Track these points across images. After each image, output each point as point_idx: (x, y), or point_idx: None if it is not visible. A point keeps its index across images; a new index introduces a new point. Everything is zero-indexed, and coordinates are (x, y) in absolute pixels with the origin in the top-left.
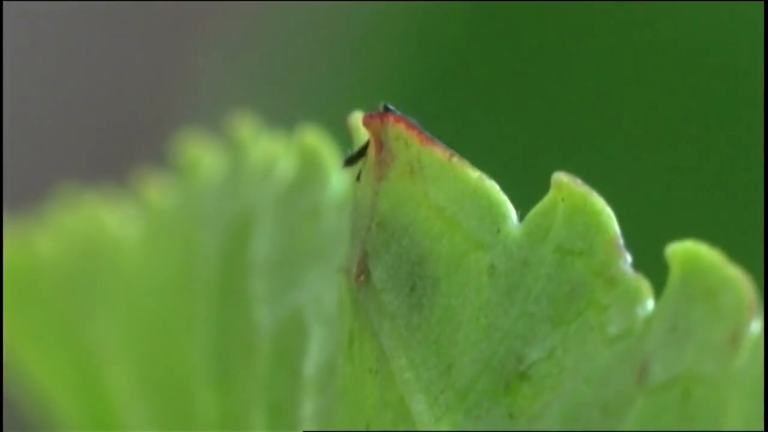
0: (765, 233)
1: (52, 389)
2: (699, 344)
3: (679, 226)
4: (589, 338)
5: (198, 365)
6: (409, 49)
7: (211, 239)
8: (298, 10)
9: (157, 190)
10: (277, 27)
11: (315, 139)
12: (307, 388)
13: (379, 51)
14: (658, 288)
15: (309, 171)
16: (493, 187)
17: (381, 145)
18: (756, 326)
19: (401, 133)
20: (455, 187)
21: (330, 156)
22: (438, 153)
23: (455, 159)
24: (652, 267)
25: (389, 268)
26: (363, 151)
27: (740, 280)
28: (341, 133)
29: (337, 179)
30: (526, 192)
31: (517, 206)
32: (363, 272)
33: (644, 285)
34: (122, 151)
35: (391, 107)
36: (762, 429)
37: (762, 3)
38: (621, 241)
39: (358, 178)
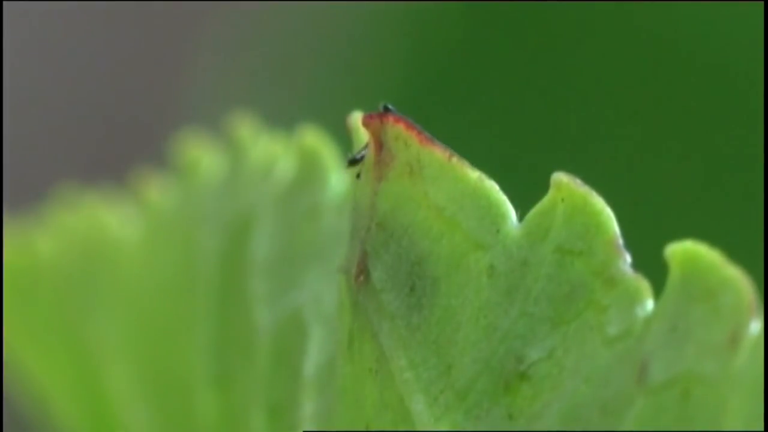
0: (765, 233)
1: (52, 389)
2: (699, 344)
3: (679, 226)
4: (589, 338)
5: (198, 365)
6: (409, 50)
7: (211, 239)
8: (298, 10)
9: (157, 190)
10: (277, 27)
11: (315, 139)
12: (307, 388)
13: (378, 51)
14: (658, 288)
15: (309, 171)
16: (493, 187)
17: (380, 146)
18: (756, 326)
19: (401, 133)
20: (455, 187)
21: (330, 156)
22: (437, 153)
23: (455, 159)
24: (652, 267)
25: (389, 269)
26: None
27: (740, 280)
28: (341, 133)
29: (337, 179)
30: (526, 192)
31: (517, 206)
32: (363, 272)
33: (644, 285)
34: (122, 151)
35: (390, 107)
36: (762, 429)
37: (762, 3)
38: (621, 241)
39: (357, 177)
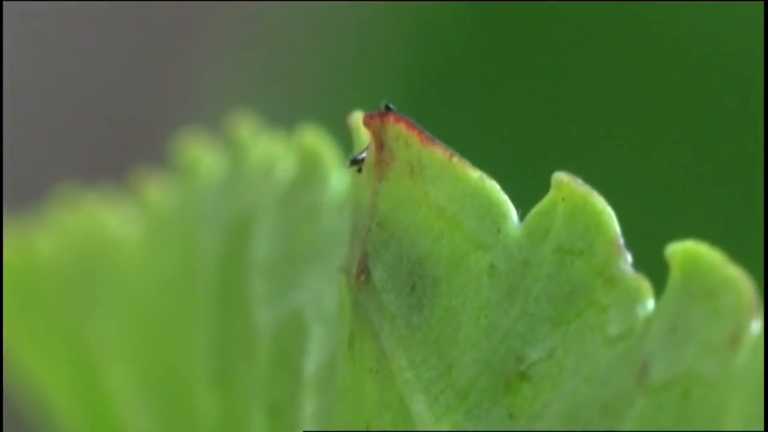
0: (765, 233)
1: (52, 389)
2: (699, 344)
3: (679, 226)
4: (589, 338)
5: (198, 365)
6: (409, 49)
7: (211, 239)
8: (298, 10)
9: (157, 190)
10: (276, 27)
11: (315, 139)
12: (307, 388)
13: (379, 51)
14: (658, 288)
15: (309, 171)
16: (494, 187)
17: (381, 145)
18: (756, 326)
19: (401, 132)
20: (455, 187)
21: (330, 156)
22: (438, 153)
23: (455, 159)
24: (652, 267)
25: (389, 268)
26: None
27: (740, 280)
28: (341, 133)
29: (337, 179)
30: (526, 192)
31: (517, 206)
32: (363, 272)
33: (644, 285)
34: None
35: (391, 107)
36: (762, 429)
37: (762, 3)
38: (621, 241)
39: (358, 174)
